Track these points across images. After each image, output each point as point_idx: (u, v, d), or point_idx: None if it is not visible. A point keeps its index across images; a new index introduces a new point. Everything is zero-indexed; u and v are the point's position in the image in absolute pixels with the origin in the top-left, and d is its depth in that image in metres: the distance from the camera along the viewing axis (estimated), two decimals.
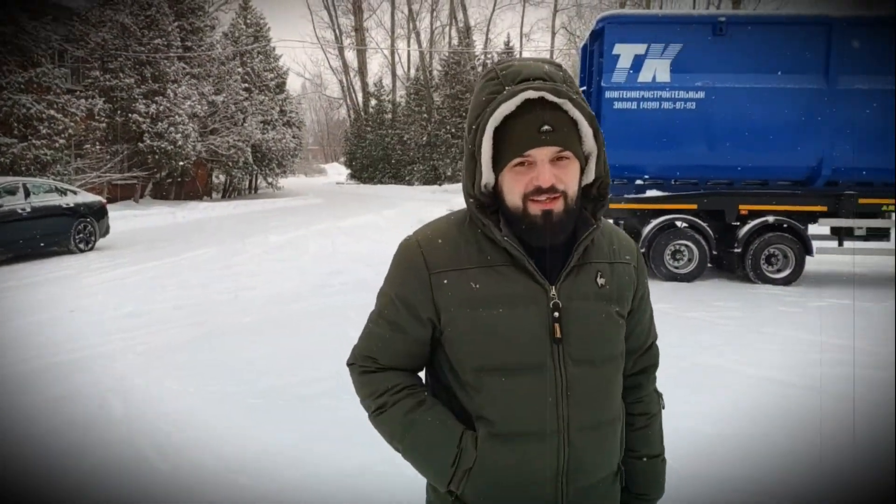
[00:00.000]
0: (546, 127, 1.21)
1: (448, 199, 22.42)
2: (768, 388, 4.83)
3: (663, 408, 1.57)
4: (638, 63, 9.18)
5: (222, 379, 5.00)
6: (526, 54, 46.28)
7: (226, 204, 25.29)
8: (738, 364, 5.40)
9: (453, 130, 37.43)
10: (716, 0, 31.37)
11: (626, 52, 9.19)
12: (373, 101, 44.84)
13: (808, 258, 9.20)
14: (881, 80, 8.84)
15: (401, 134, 41.00)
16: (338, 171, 55.33)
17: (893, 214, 9.37)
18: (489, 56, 41.13)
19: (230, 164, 27.54)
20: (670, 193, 9.50)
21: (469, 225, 1.35)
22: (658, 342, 1.56)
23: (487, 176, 1.30)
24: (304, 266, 10.56)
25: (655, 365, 1.56)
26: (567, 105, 1.24)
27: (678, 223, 9.34)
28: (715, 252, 9.43)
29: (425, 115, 39.90)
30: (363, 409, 1.42)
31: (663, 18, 9.57)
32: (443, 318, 1.32)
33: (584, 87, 9.95)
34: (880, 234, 9.48)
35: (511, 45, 40.65)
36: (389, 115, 43.74)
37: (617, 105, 9.18)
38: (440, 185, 35.83)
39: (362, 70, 47.20)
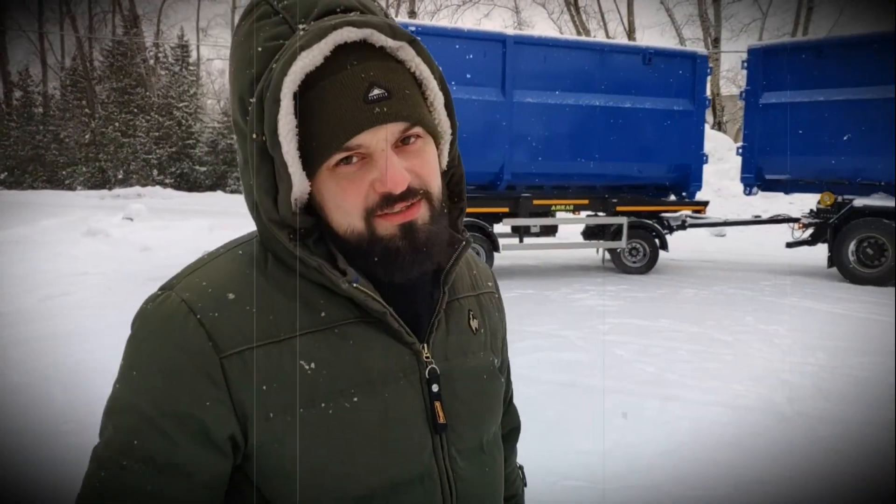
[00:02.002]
0: (378, 91, 0.72)
1: (123, 206, 20.05)
2: None
3: (525, 485, 1.17)
4: None
5: None
6: (204, 51, 43.90)
7: None
8: None
9: (123, 128, 33.79)
10: (394, 3, 33.05)
11: None
12: (17, 93, 38.48)
13: (496, 254, 10.07)
14: (547, 95, 10.04)
15: (56, 131, 35.79)
16: None
17: (557, 213, 10.76)
18: (161, 49, 38.04)
19: None
20: None
21: (276, 264, 0.79)
22: None
23: (301, 184, 0.76)
24: None
25: (518, 427, 1.15)
26: (406, 52, 0.76)
27: None
28: None
29: (87, 111, 35.42)
30: None
31: None
32: (252, 434, 0.75)
33: None
34: (551, 231, 10.82)
35: (186, 39, 38.13)
36: (40, 109, 37.96)
37: None
38: (110, 189, 32.08)
39: (1, 56, 40.27)
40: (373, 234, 0.76)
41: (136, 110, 34.16)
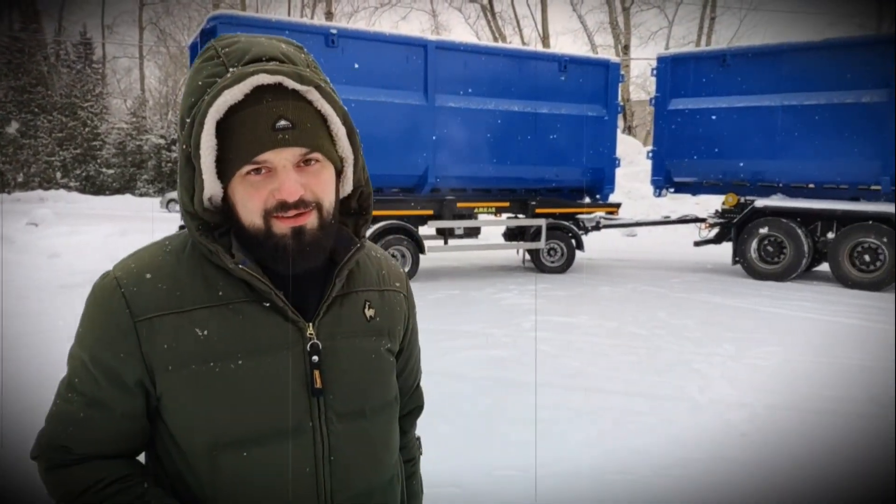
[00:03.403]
0: (284, 122, 0.93)
1: (27, 211, 18.98)
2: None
3: (421, 453, 1.40)
4: None
5: None
6: (109, 48, 42.09)
7: None
8: None
9: (24, 129, 31.96)
10: (310, 4, 32.58)
11: None
12: None
13: (421, 256, 10.19)
14: (468, 100, 10.26)
15: None
16: None
17: (480, 216, 10.98)
18: (62, 46, 36.21)
19: None
20: None
21: (192, 252, 1.03)
22: None
23: (212, 187, 0.99)
24: None
25: (421, 406, 1.38)
26: (313, 94, 0.97)
27: None
28: None
29: None
30: None
31: (276, 24, 9.56)
32: (158, 382, 0.99)
33: None
34: (474, 233, 11.04)
35: (89, 36, 36.51)
36: None
37: None
38: (9, 193, 30.27)
39: None
40: (269, 231, 0.98)
41: (36, 110, 32.40)
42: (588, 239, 11.89)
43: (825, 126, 10.38)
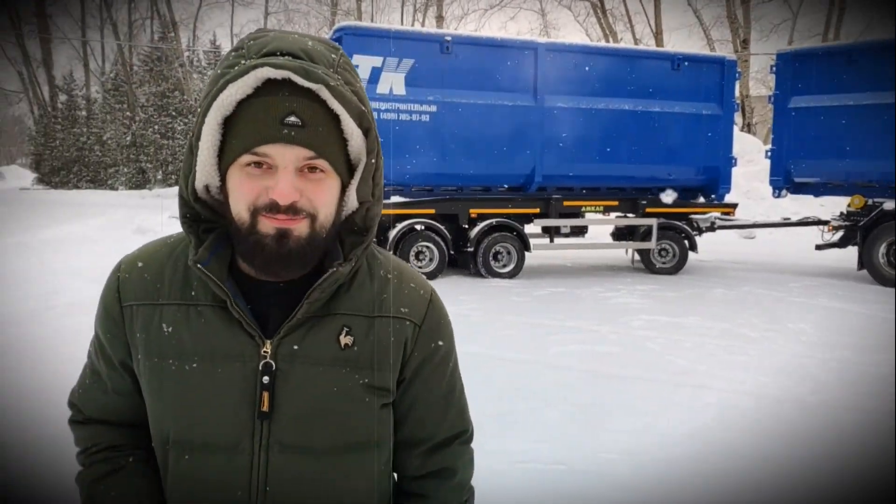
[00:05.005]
0: (293, 119, 0.87)
1: (165, 205, 20.66)
2: (512, 367, 5.38)
3: None
4: (375, 75, 9.55)
5: None
6: None
7: None
8: (491, 349, 5.93)
9: (162, 130, 34.71)
10: (422, 8, 33.27)
11: (364, 64, 9.49)
12: (62, 97, 39.66)
13: (527, 254, 10.41)
14: (577, 100, 10.36)
15: (99, 133, 36.87)
16: (18, 175, 47.88)
17: (587, 215, 11.04)
18: (195, 53, 38.97)
19: None
20: (411, 199, 10.05)
21: (186, 247, 1.02)
22: None
23: (206, 174, 0.95)
24: (6, 287, 9.02)
25: (453, 469, 1.12)
26: (324, 93, 0.89)
27: (418, 227, 9.91)
28: (452, 252, 10.20)
29: (128, 114, 36.44)
30: None
31: (395, 34, 10.04)
32: (135, 366, 1.02)
33: None
34: (580, 232, 11.12)
35: (218, 44, 39.01)
36: (84, 112, 39.09)
37: None
38: (150, 189, 32.98)
39: (47, 61, 41.48)
40: (253, 227, 0.92)
41: (174, 113, 35.08)
42: (702, 240, 11.65)
43: None
